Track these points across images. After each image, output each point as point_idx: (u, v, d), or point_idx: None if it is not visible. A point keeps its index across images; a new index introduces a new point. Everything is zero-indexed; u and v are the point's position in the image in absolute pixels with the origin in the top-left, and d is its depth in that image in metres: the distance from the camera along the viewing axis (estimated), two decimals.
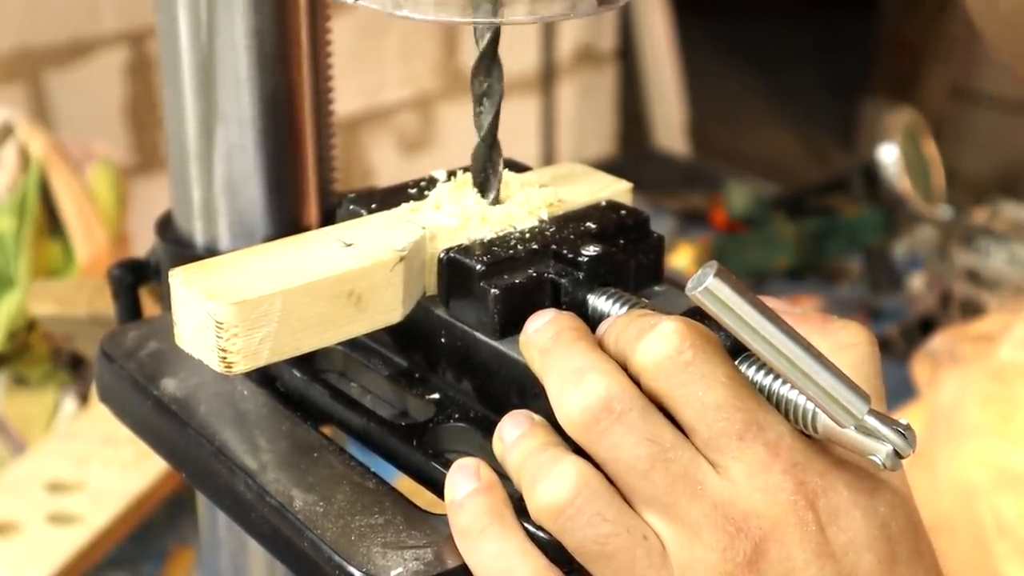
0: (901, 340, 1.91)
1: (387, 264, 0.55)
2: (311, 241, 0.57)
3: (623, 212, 0.60)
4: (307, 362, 0.62)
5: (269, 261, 0.55)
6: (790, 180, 2.78)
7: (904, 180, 2.21)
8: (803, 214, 2.27)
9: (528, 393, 0.54)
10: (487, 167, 0.60)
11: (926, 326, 1.93)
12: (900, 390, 1.67)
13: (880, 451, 0.47)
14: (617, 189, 0.63)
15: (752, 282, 2.15)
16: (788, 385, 0.50)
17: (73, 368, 1.51)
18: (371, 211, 0.60)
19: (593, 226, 0.58)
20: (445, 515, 0.53)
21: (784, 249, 2.17)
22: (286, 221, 0.70)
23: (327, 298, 0.54)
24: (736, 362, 0.51)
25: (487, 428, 0.55)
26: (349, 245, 0.56)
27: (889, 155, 2.22)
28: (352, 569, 0.51)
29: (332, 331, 0.55)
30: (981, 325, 1.74)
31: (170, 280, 0.54)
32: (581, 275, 0.56)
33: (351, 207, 0.61)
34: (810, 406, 0.49)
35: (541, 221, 0.59)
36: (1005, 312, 1.76)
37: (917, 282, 2.06)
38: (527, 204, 0.59)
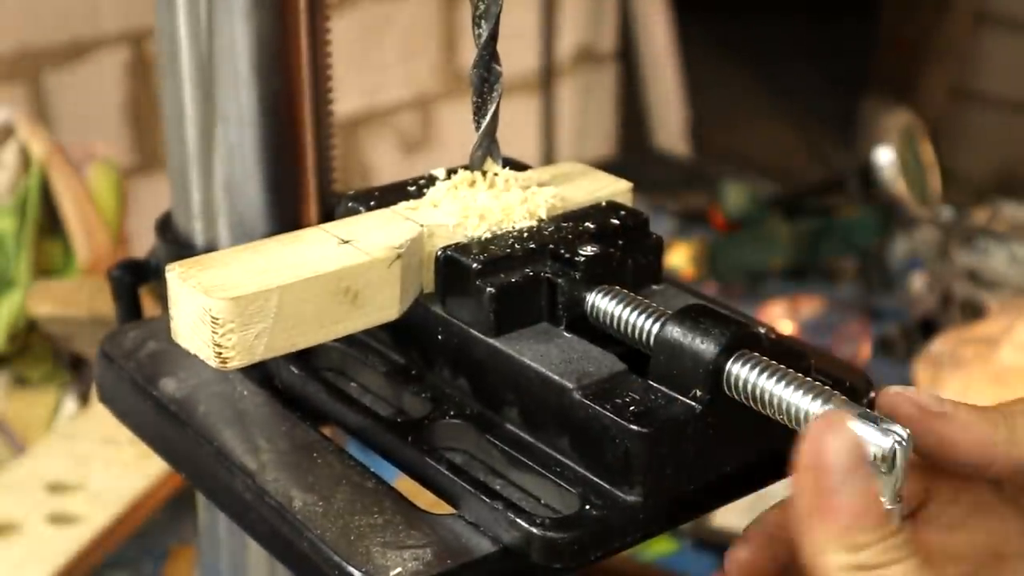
0: (902, 341, 1.91)
1: (384, 261, 0.55)
2: (308, 237, 0.57)
3: (622, 213, 0.60)
4: (304, 359, 0.62)
5: (266, 257, 0.55)
6: (790, 180, 2.78)
7: (900, 182, 2.22)
8: (799, 214, 2.27)
9: (523, 391, 0.54)
10: (483, 91, 0.59)
11: (927, 327, 1.93)
12: None
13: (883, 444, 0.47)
14: (617, 189, 0.63)
15: (749, 282, 2.16)
16: (783, 384, 0.50)
17: (73, 368, 1.51)
18: (370, 209, 0.60)
19: (592, 226, 0.59)
20: (444, 515, 0.53)
21: (780, 249, 2.17)
22: (285, 221, 0.70)
23: (323, 294, 0.54)
24: (731, 360, 0.51)
25: (482, 425, 0.55)
26: (346, 242, 0.56)
27: (885, 157, 2.23)
28: (351, 569, 0.51)
29: (328, 327, 0.55)
30: (982, 328, 1.74)
31: (167, 275, 0.54)
32: (578, 275, 0.56)
33: (350, 205, 0.61)
34: (804, 406, 0.49)
35: (540, 220, 0.59)
36: (1006, 314, 1.76)
37: (917, 283, 2.06)
38: (526, 203, 0.59)
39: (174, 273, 0.53)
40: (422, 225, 0.58)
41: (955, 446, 0.48)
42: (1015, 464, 0.50)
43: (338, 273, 0.54)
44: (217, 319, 0.51)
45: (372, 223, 0.58)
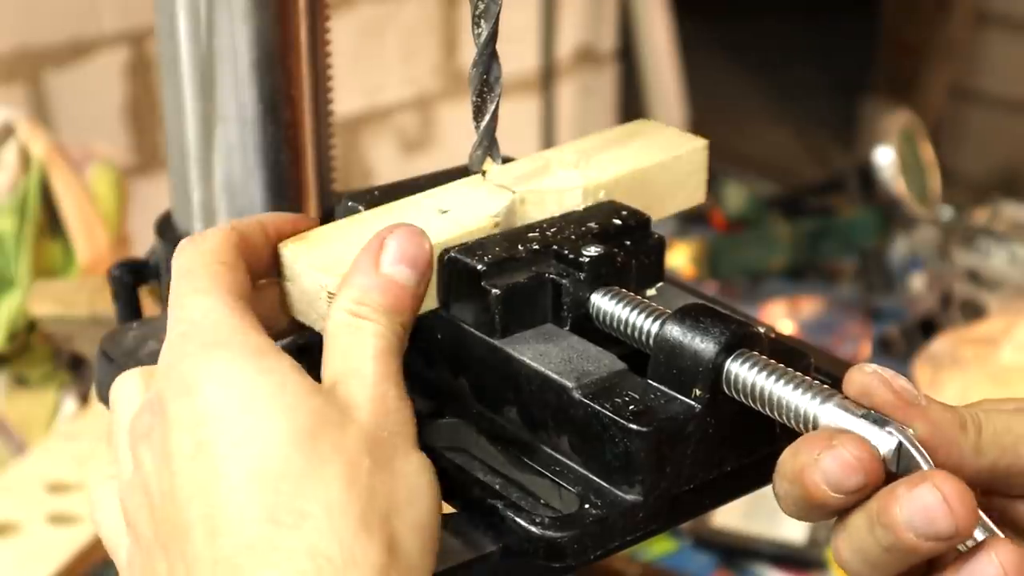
0: (902, 341, 1.91)
1: (484, 231, 0.57)
2: (407, 209, 0.58)
3: (624, 213, 0.60)
4: (303, 359, 0.62)
5: (371, 231, 0.55)
6: (790, 180, 2.78)
7: (900, 182, 2.22)
8: (799, 214, 2.28)
9: (523, 390, 0.54)
10: (483, 91, 0.59)
11: (927, 327, 1.93)
12: None
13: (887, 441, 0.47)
14: (692, 147, 0.64)
15: (749, 282, 2.16)
16: (783, 383, 0.50)
17: (73, 368, 1.51)
18: (369, 208, 0.60)
19: (595, 226, 0.59)
20: (444, 514, 0.53)
21: (779, 249, 2.17)
22: None
23: None
24: (731, 359, 0.51)
25: (482, 425, 0.55)
26: (445, 212, 0.57)
27: (885, 157, 2.23)
28: None
29: None
30: (982, 328, 1.75)
31: (280, 252, 0.55)
32: (582, 275, 0.56)
33: (349, 204, 0.61)
34: (804, 406, 0.49)
35: (542, 221, 0.59)
36: (1006, 314, 1.76)
37: (917, 282, 2.06)
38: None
39: (288, 250, 0.55)
40: (515, 191, 0.59)
41: (923, 443, 0.48)
42: (977, 471, 0.49)
43: (440, 245, 0.55)
44: (334, 293, 0.53)
45: (462, 192, 0.60)
